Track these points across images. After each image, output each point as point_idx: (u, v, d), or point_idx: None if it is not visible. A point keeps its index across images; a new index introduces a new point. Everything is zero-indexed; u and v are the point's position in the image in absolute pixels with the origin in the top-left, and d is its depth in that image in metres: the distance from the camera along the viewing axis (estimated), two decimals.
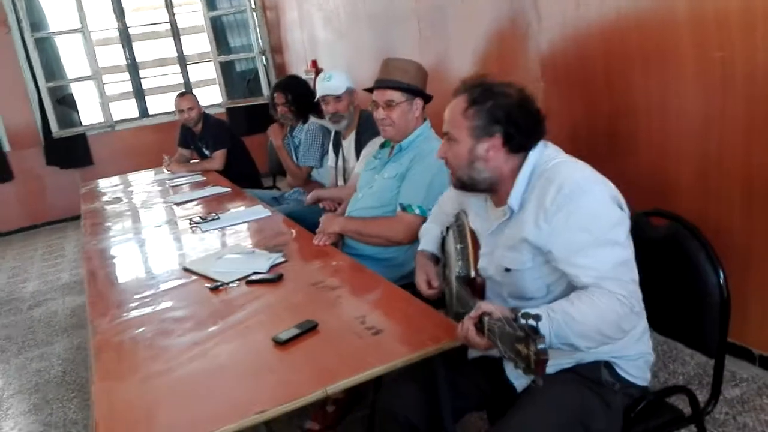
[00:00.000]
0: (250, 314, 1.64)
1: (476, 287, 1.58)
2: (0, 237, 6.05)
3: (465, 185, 1.49)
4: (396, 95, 2.17)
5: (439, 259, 1.86)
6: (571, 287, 1.34)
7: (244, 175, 3.98)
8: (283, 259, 2.00)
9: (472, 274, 1.59)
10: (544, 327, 1.19)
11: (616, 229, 1.31)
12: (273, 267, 1.95)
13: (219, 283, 1.86)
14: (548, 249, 1.34)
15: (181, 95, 4.23)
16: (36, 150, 6.01)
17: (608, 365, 1.39)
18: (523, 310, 1.12)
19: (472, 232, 1.63)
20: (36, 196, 6.13)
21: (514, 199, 1.41)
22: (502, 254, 1.45)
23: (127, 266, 2.32)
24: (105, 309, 1.84)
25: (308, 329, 1.47)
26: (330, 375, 1.27)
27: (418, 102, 2.21)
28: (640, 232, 1.47)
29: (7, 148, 5.92)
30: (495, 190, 1.48)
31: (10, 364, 3.17)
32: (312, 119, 3.54)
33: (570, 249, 1.31)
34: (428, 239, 1.89)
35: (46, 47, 5.87)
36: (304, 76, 5.46)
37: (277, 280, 1.84)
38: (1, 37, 5.64)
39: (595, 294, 1.25)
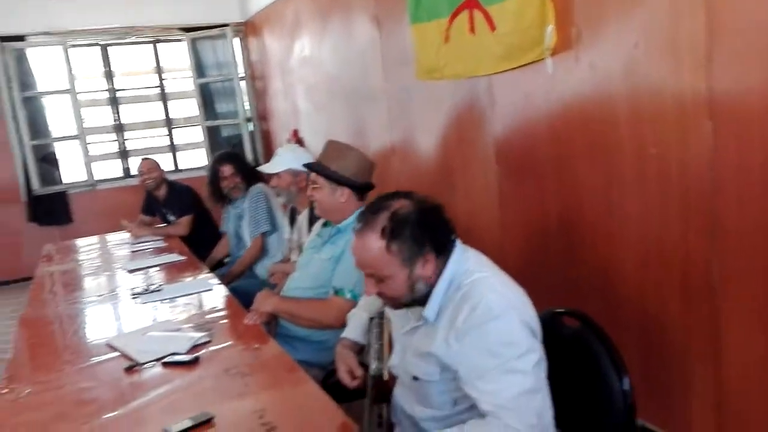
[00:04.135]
0: (152, 400, 1.58)
1: (387, 388, 1.55)
2: None
3: (406, 305, 1.44)
4: (319, 179, 2.16)
5: (364, 347, 1.83)
6: None
7: (207, 241, 3.97)
8: (206, 340, 1.95)
9: (385, 375, 1.57)
10: None
11: (525, 358, 1.27)
12: (195, 347, 1.90)
13: (134, 363, 1.82)
14: (455, 368, 1.31)
15: (143, 159, 4.32)
16: (17, 206, 6.02)
17: None
18: None
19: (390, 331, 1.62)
20: (12, 251, 6.09)
21: (430, 311, 1.38)
22: (411, 361, 1.43)
23: (55, 338, 2.28)
24: (15, 380, 1.80)
25: (202, 422, 1.42)
26: None
27: (345, 190, 2.15)
28: (551, 330, 1.45)
29: None
30: None
31: None
32: (256, 186, 3.60)
33: (475, 372, 1.28)
34: (353, 326, 1.88)
35: (33, 106, 5.97)
36: (285, 144, 5.55)
37: (191, 363, 1.79)
38: None
39: (490, 425, 1.22)
